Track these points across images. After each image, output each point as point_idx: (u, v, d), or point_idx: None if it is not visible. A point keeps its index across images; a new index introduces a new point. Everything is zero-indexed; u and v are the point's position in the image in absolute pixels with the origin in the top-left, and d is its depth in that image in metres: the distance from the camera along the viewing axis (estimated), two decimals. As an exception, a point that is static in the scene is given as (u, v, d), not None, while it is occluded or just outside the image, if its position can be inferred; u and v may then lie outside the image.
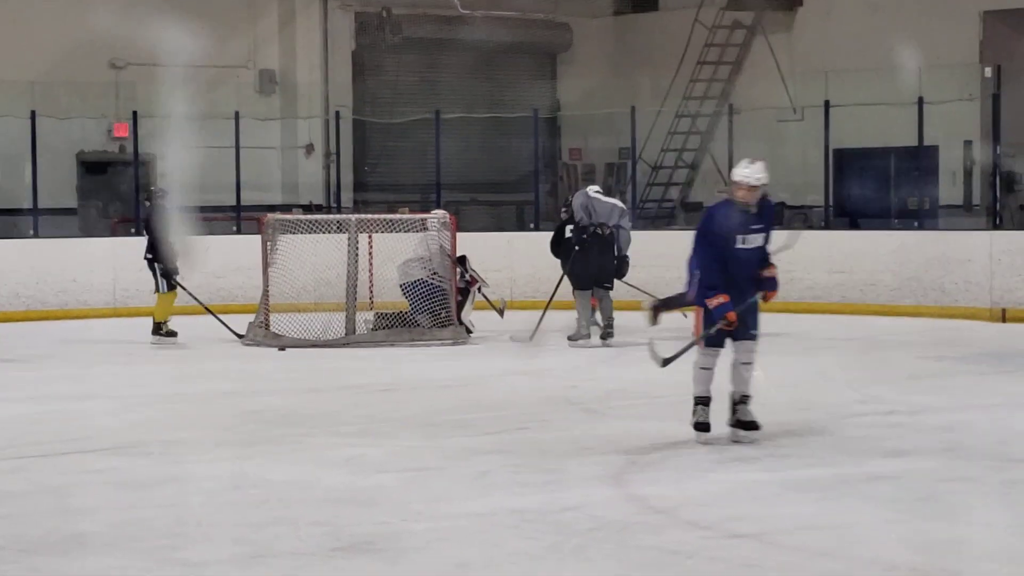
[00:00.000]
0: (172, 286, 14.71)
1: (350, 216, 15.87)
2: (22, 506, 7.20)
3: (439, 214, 15.38)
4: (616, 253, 14.30)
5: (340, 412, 10.30)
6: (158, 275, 14.65)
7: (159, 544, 6.34)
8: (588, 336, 14.22)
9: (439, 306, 14.77)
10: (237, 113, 19.58)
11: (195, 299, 15.11)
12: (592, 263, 14.22)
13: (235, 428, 9.62)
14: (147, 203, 15.38)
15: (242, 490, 7.55)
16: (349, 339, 14.55)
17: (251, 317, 15.04)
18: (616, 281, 14.40)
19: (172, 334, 14.72)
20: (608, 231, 14.23)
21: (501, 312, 15.19)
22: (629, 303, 14.92)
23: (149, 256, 14.75)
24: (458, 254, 15.10)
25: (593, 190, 14.58)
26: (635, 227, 15.99)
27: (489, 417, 9.95)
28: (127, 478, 7.89)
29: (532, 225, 19.68)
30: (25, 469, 8.25)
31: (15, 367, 13.27)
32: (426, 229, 15.06)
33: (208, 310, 15.30)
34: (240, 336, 14.78)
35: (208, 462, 8.44)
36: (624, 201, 15.79)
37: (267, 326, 14.74)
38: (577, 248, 14.22)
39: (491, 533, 6.55)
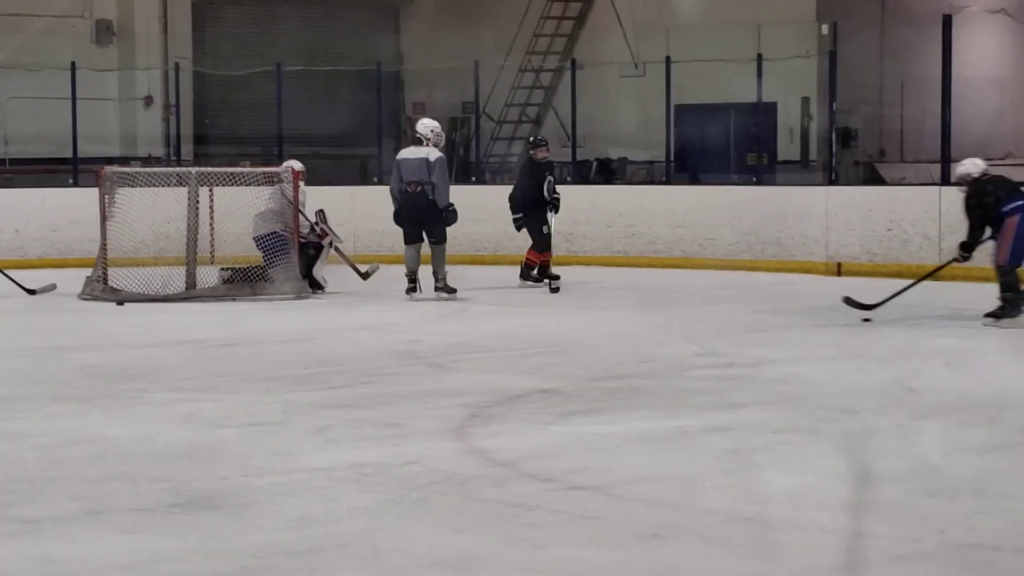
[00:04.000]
0: None
1: (190, 169, 15.68)
2: None
3: (292, 164, 15.19)
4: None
5: (179, 367, 10.19)
6: None
7: (-7, 502, 6.23)
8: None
9: (289, 258, 14.66)
10: (73, 64, 19.22)
11: None
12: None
13: (71, 383, 9.47)
14: None
15: (78, 446, 7.44)
16: (189, 293, 14.40)
17: (88, 271, 14.81)
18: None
19: None
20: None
21: (364, 275, 15.10)
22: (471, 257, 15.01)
23: None
24: (316, 208, 15.03)
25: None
26: (479, 182, 16.03)
27: (331, 372, 9.91)
28: (-40, 435, 7.73)
29: (375, 179, 19.59)
30: None
31: None
32: (280, 181, 14.91)
33: None
34: (31, 292, 14.57)
35: (43, 418, 8.30)
36: (468, 156, 15.83)
37: (105, 280, 14.53)
38: None
39: (332, 488, 6.53)
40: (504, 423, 8.11)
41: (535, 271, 15.57)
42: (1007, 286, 12.13)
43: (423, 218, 14.18)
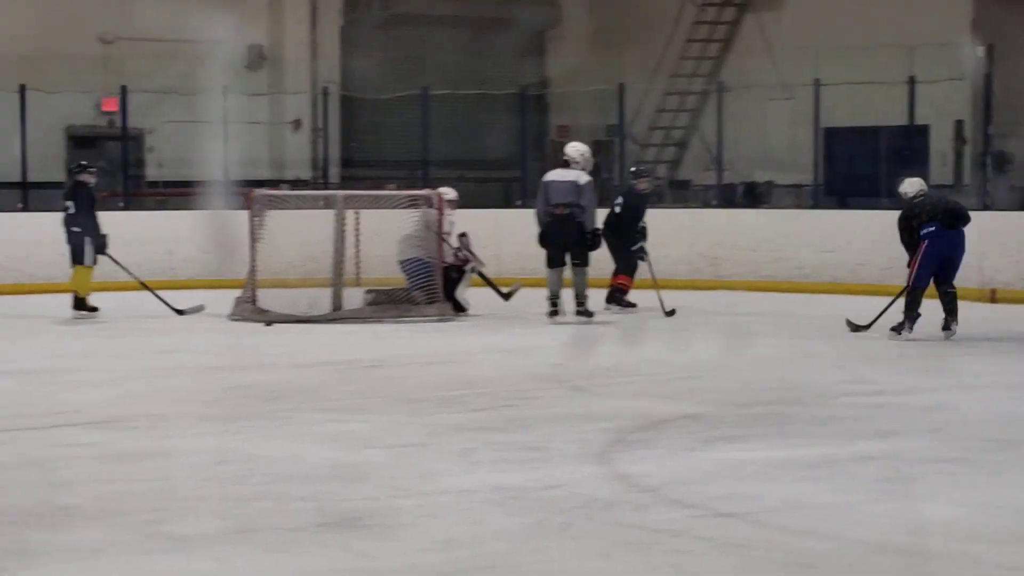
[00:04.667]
0: (95, 260, 14.67)
1: (337, 192, 15.81)
2: (10, 479, 7.17)
3: (446, 192, 15.28)
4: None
5: (326, 388, 10.27)
6: (86, 247, 14.57)
7: (145, 518, 6.31)
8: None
9: (431, 283, 14.74)
10: (225, 88, 19.50)
11: (130, 274, 15.08)
12: None
13: (221, 403, 9.59)
14: (75, 176, 15.18)
15: (228, 465, 7.52)
16: (335, 315, 14.51)
17: (238, 292, 15.00)
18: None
19: (94, 309, 14.69)
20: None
21: (506, 296, 15.15)
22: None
23: (77, 229, 14.67)
24: (459, 232, 15.10)
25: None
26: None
27: (475, 394, 9.92)
28: (113, 452, 7.86)
29: (519, 202, 19.62)
30: (13, 441, 8.22)
31: (3, 340, 13.25)
32: (426, 206, 14.99)
33: (144, 286, 15.24)
34: (180, 312, 14.77)
35: (194, 437, 8.41)
36: (613, 179, 15.82)
37: (254, 301, 14.70)
38: None
39: (476, 510, 6.52)
40: (648, 448, 8.06)
41: (626, 295, 15.43)
42: (909, 305, 12.70)
43: (569, 241, 14.16)
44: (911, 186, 12.96)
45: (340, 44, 23.89)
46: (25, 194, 17.82)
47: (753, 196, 22.44)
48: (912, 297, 12.76)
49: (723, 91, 19.92)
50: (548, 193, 14.24)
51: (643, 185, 15.75)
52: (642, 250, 15.34)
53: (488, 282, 15.28)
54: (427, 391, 10.06)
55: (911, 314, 12.74)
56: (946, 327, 12.70)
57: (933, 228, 12.62)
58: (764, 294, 17.63)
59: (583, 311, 14.17)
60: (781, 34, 22.81)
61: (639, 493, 6.92)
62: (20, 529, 6.13)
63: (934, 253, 12.63)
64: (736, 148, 21.56)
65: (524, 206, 18.08)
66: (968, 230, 14.20)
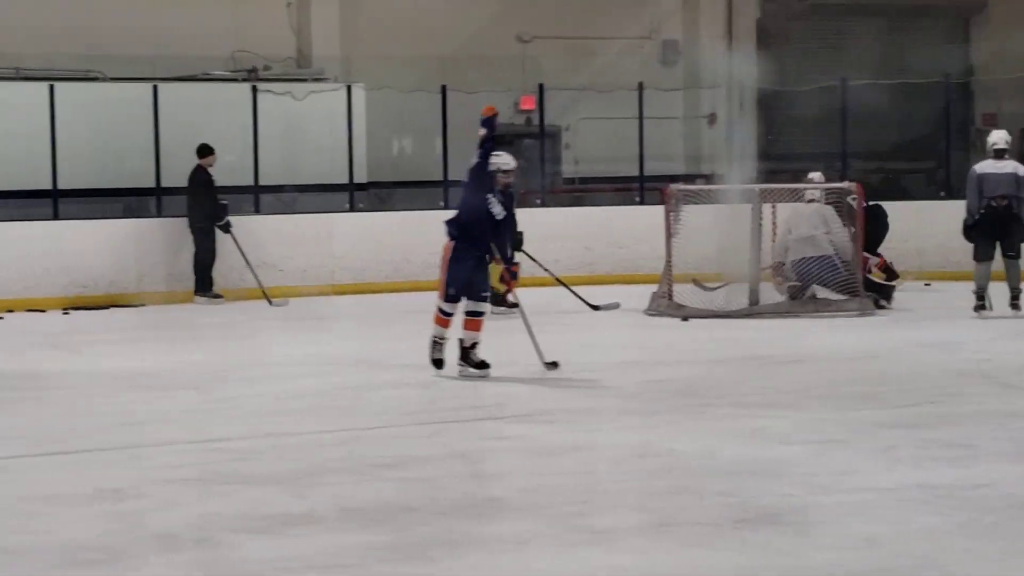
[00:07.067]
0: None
1: (754, 186, 15.74)
2: (437, 470, 7.41)
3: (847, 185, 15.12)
4: None
5: (743, 383, 10.24)
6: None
7: (567, 511, 6.43)
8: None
9: (842, 279, 14.56)
10: (640, 84, 19.66)
11: (546, 270, 15.30)
12: None
13: (639, 397, 9.69)
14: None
15: (647, 459, 7.59)
16: (752, 309, 14.45)
17: (654, 287, 15.11)
18: None
19: (514, 305, 14.92)
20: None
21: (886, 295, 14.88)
22: None
23: None
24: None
25: None
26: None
27: (896, 390, 9.73)
28: (536, 445, 8.04)
29: (942, 194, 19.07)
30: (441, 434, 8.50)
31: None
32: (844, 197, 14.84)
33: (561, 282, 15.42)
34: (595, 307, 14.90)
35: (614, 431, 8.51)
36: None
37: (670, 296, 14.78)
38: None
39: (900, 508, 6.39)
40: (1083, 448, 7.73)
41: None
42: None
43: (1003, 233, 13.71)
44: None
45: (756, 36, 23.77)
46: (446, 193, 18.35)
47: None
48: None
49: None
50: (983, 185, 13.80)
51: None
52: None
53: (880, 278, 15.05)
54: (847, 387, 9.91)
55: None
56: None
57: None
58: None
59: (1017, 304, 13.68)
60: None
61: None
62: (448, 520, 6.33)
63: None
64: None
65: (947, 197, 17.59)
66: None
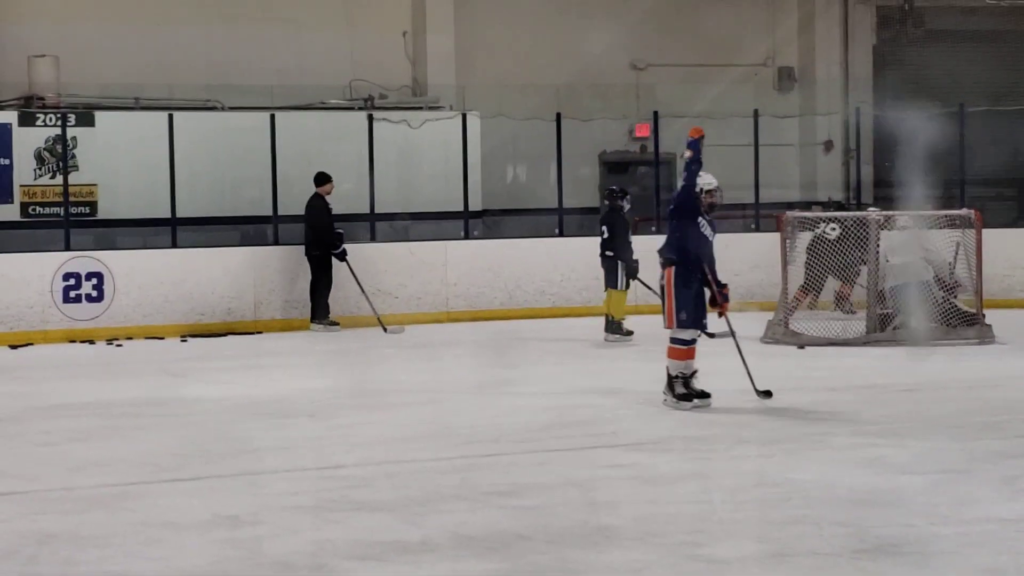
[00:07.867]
0: (628, 284, 14.95)
1: (870, 213, 15.59)
2: (550, 498, 7.40)
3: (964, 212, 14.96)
4: None
5: (861, 411, 10.12)
6: (620, 273, 14.89)
7: (682, 540, 6.39)
8: None
9: (946, 308, 14.40)
10: (756, 111, 19.57)
11: (660, 297, 15.23)
12: None
13: (756, 425, 9.61)
14: (606, 203, 15.58)
15: (764, 488, 7.52)
16: (869, 338, 14.29)
17: (769, 315, 15.00)
18: None
19: (629, 333, 14.91)
20: None
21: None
22: None
23: (610, 253, 15.01)
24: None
25: None
26: None
27: (1018, 419, 9.58)
28: (651, 473, 8.00)
29: (1064, 221, 18.80)
30: (554, 462, 8.47)
31: (542, 363, 13.69)
32: (962, 225, 14.71)
33: None
34: (711, 335, 14.78)
35: (729, 459, 8.45)
36: None
37: (786, 324, 14.66)
38: None
39: (1022, 540, 6.28)
40: None
41: None
42: None
43: None
44: None
45: (872, 62, 23.59)
46: (561, 220, 18.35)
47: None
48: None
49: None
50: None
51: None
52: None
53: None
54: (967, 416, 9.77)
55: None
56: None
57: None
58: None
59: None
60: None
61: None
62: (560, 548, 6.31)
63: None
64: None
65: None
66: None
